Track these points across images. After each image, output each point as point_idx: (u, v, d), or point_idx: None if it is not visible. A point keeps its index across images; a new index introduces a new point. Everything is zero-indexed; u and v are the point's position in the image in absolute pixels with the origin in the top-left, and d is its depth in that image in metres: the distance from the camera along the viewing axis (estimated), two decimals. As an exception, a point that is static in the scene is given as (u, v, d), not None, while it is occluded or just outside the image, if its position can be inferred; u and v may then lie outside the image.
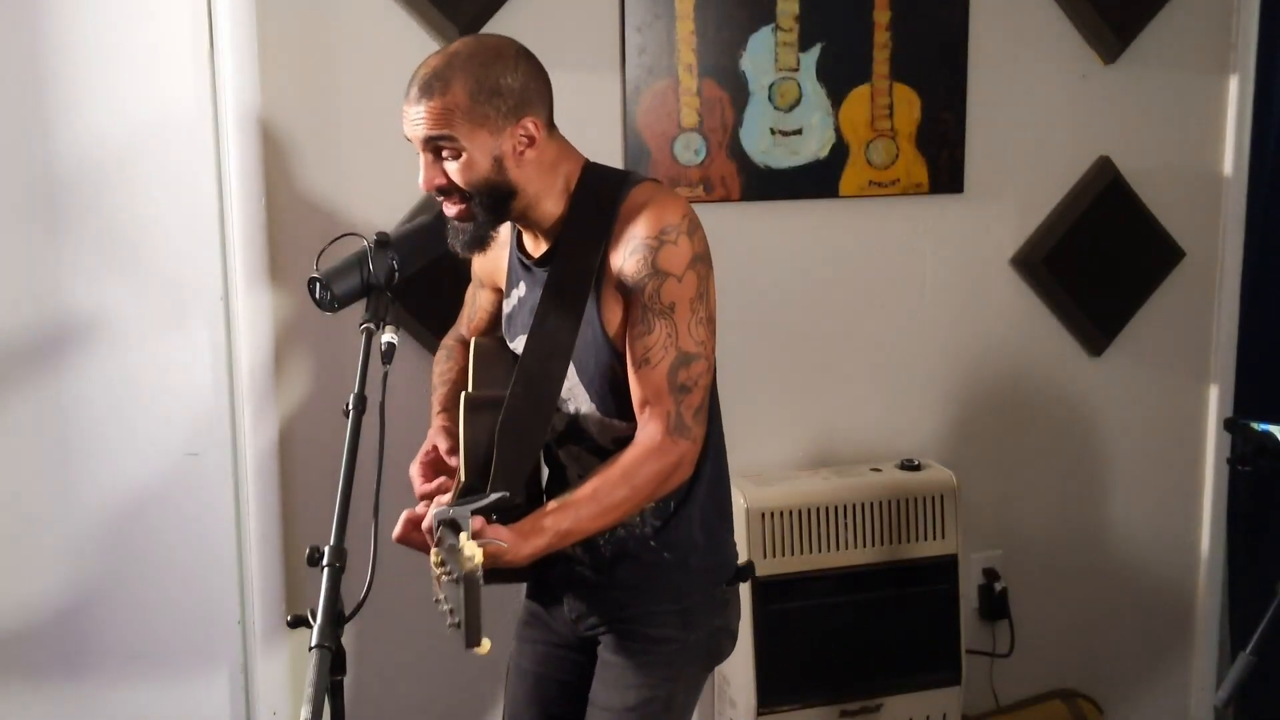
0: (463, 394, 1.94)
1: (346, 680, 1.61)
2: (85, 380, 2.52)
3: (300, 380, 2.58)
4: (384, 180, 2.55)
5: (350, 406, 1.68)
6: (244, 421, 2.55)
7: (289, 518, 2.60)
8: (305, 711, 1.45)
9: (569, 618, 2.04)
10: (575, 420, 1.94)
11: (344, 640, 1.57)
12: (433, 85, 1.78)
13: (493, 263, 2.09)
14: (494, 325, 2.18)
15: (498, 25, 2.55)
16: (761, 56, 2.76)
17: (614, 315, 1.86)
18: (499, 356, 2.05)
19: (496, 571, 1.92)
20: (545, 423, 1.87)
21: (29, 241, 2.47)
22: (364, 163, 2.55)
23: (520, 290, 2.00)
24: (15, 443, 2.50)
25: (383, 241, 1.83)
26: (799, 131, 2.81)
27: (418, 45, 2.53)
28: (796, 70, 2.79)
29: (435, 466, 1.98)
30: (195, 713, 2.67)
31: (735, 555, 2.07)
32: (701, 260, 1.85)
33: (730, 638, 2.06)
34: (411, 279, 1.88)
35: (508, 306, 2.05)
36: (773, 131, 2.79)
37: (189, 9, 2.47)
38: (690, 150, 2.74)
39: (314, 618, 1.54)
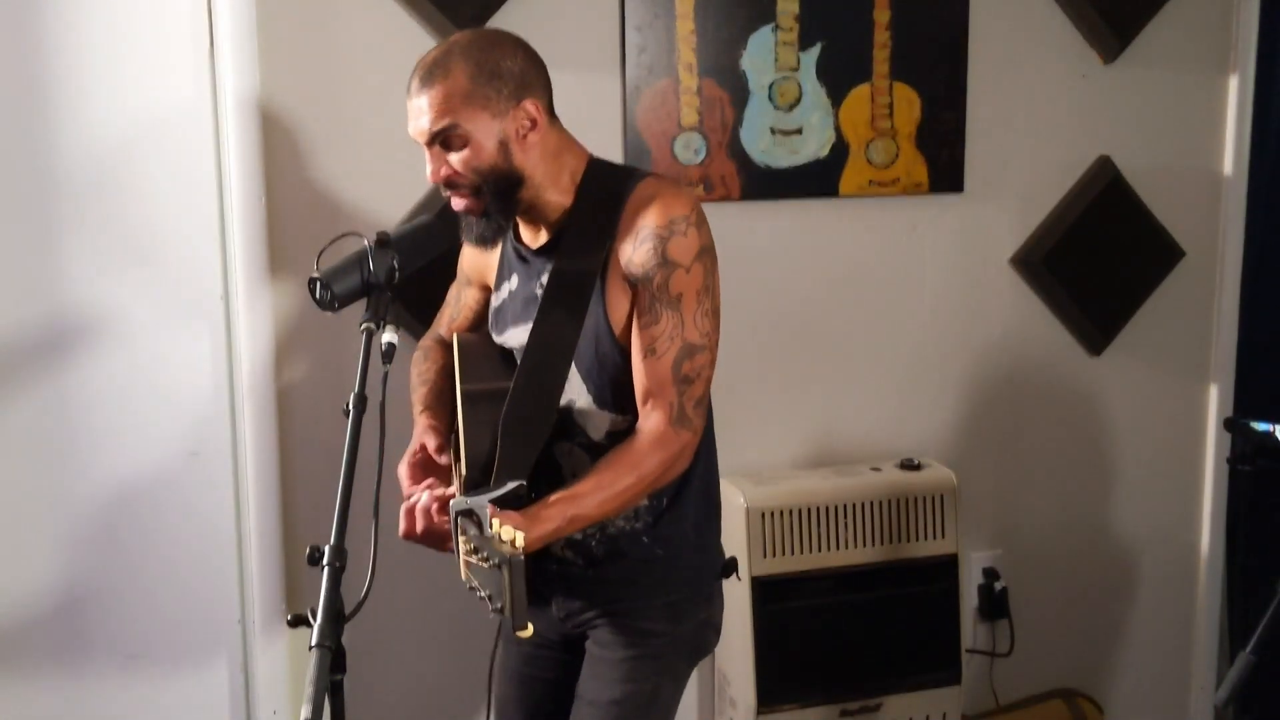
0: (459, 387, 1.92)
1: (346, 680, 1.61)
2: (86, 378, 2.52)
3: (300, 380, 2.58)
4: (385, 178, 2.56)
5: (350, 406, 1.68)
6: (244, 421, 2.55)
7: (289, 517, 2.60)
8: (305, 711, 1.45)
9: (557, 616, 2.04)
10: (570, 414, 1.93)
11: (344, 640, 1.57)
12: (434, 73, 1.80)
13: (484, 259, 2.09)
14: (478, 324, 2.18)
15: (497, 25, 2.54)
16: (761, 56, 2.76)
17: (619, 307, 1.87)
18: (486, 351, 2.05)
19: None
20: (550, 413, 1.87)
21: (30, 241, 2.47)
22: (364, 162, 2.56)
23: (512, 283, 2.00)
24: (15, 440, 2.50)
25: (383, 241, 1.83)
26: (799, 131, 2.81)
27: (418, 46, 2.53)
28: (796, 70, 2.79)
29: (424, 467, 1.96)
30: (195, 712, 2.66)
31: (722, 551, 2.09)
32: (708, 252, 1.87)
33: (715, 631, 2.08)
34: (412, 278, 1.88)
35: (496, 300, 2.05)
36: (773, 131, 2.79)
37: (189, 5, 2.47)
38: (690, 150, 2.74)
39: (314, 617, 1.54)
